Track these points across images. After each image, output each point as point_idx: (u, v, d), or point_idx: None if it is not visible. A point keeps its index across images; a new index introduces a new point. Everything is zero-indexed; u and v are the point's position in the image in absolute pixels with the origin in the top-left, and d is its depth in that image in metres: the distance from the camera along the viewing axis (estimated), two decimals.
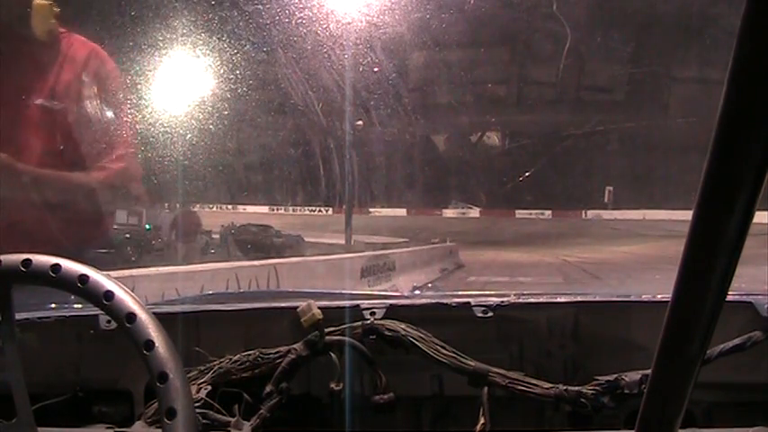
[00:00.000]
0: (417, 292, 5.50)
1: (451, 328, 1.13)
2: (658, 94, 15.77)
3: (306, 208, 23.15)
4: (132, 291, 0.77)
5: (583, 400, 1.03)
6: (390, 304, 1.17)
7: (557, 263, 14.82)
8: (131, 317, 0.73)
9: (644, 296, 1.22)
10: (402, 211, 25.27)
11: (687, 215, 0.47)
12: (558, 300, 1.23)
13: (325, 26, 6.58)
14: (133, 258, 12.90)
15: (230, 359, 1.13)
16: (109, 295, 0.74)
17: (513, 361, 1.15)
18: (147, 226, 14.64)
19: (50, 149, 2.02)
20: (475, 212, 26.12)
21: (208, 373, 1.12)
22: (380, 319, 1.13)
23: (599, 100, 16.89)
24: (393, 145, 14.70)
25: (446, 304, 1.18)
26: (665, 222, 19.17)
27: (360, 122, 12.14)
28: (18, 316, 0.82)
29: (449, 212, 26.63)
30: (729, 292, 0.50)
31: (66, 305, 1.27)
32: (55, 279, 0.75)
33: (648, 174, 22.17)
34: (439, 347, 1.08)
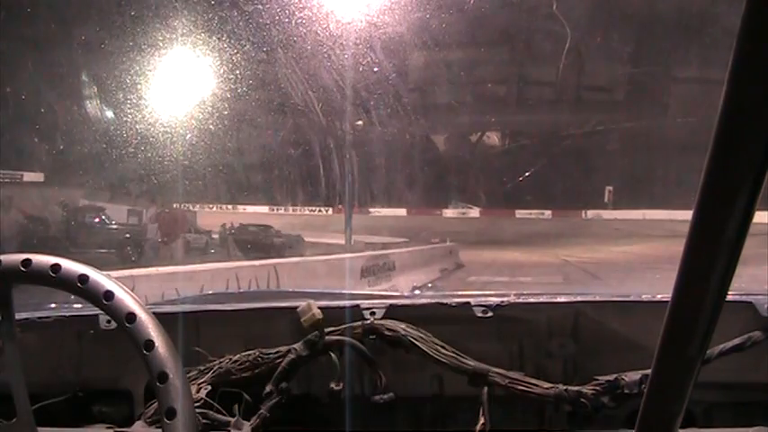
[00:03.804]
0: (417, 292, 5.50)
1: (451, 328, 1.13)
2: (658, 94, 15.77)
3: (306, 208, 23.14)
4: (132, 291, 0.77)
5: (583, 400, 1.03)
6: (390, 304, 1.17)
7: (557, 263, 14.81)
8: (131, 317, 0.73)
9: (644, 296, 1.22)
10: (402, 211, 25.26)
11: (687, 215, 0.47)
12: (558, 300, 1.23)
13: (325, 26, 6.59)
14: (133, 259, 12.91)
15: (230, 359, 1.12)
16: (109, 295, 0.74)
17: (513, 361, 1.15)
18: None
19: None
20: (475, 212, 26.12)
21: (208, 373, 1.11)
22: (380, 319, 1.13)
23: (599, 100, 16.89)
24: (393, 145, 14.70)
25: (446, 304, 1.18)
26: (665, 222, 19.16)
27: (360, 122, 12.16)
28: (18, 316, 0.82)
29: (449, 212, 26.62)
30: (729, 292, 0.49)
31: (66, 305, 1.27)
32: (55, 279, 0.75)
33: (648, 174, 22.17)
34: (439, 347, 1.08)
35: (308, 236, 17.45)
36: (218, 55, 7.17)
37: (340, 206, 18.97)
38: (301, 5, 6.37)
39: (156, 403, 1.00)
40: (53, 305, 1.29)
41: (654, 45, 13.95)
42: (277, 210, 22.71)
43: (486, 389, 1.05)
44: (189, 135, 8.32)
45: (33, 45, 8.54)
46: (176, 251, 13.46)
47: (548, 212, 26.22)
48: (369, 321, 1.12)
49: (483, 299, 1.17)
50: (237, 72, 7.62)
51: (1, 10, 6.47)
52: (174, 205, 14.19)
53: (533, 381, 1.06)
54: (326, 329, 1.10)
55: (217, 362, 1.13)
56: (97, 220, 13.92)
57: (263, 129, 12.44)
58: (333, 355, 1.09)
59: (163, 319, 0.75)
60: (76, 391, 1.22)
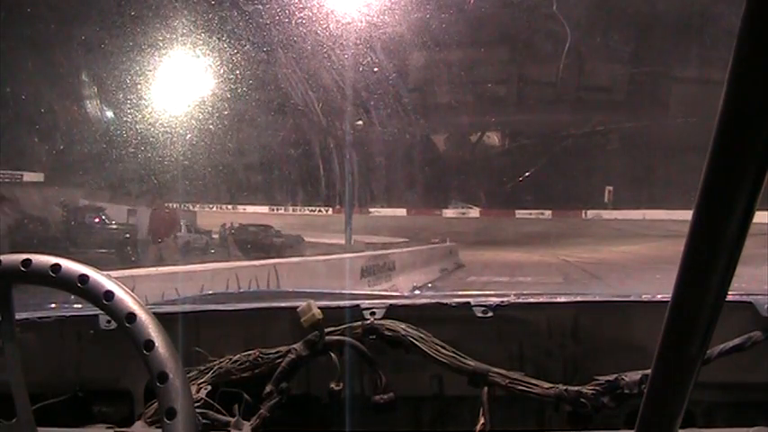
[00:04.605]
0: (417, 292, 5.50)
1: (451, 328, 1.13)
2: (658, 94, 15.77)
3: (306, 208, 23.16)
4: (132, 291, 0.76)
5: (583, 400, 1.03)
6: (390, 304, 1.17)
7: (557, 263, 14.81)
8: (131, 317, 0.73)
9: (644, 296, 1.22)
10: (402, 211, 25.27)
11: (687, 215, 0.47)
12: (558, 300, 1.23)
13: (325, 26, 6.59)
14: (133, 259, 12.91)
15: (230, 359, 1.12)
16: (109, 295, 0.74)
17: (513, 361, 1.14)
18: None
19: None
20: (475, 212, 26.14)
21: (208, 373, 1.11)
22: (380, 319, 1.12)
23: (599, 100, 16.89)
24: (393, 145, 14.72)
25: (446, 304, 1.18)
26: (664, 222, 19.18)
27: (360, 122, 12.16)
28: (18, 316, 0.82)
29: (449, 212, 26.63)
30: (729, 292, 0.49)
31: (66, 305, 1.27)
32: (55, 279, 0.75)
33: (648, 174, 22.19)
34: (439, 347, 1.08)
35: (307, 236, 17.46)
36: (218, 55, 7.17)
37: (340, 206, 18.99)
38: (301, 5, 6.37)
39: (156, 403, 1.00)
40: (53, 305, 1.29)
41: (654, 45, 13.96)
42: (277, 210, 22.73)
43: (486, 389, 1.05)
44: (189, 135, 8.33)
45: (33, 45, 8.54)
46: (176, 251, 13.46)
47: (548, 212, 26.24)
48: (369, 321, 1.12)
49: (483, 299, 1.17)
50: (238, 72, 7.62)
51: (1, 10, 6.47)
52: (175, 205, 14.19)
53: (533, 381, 1.06)
54: (326, 329, 1.10)
55: (217, 362, 1.13)
56: (97, 220, 13.92)
57: (263, 129, 12.44)
58: (333, 355, 1.09)
59: (163, 319, 0.75)
60: (76, 391, 1.22)
